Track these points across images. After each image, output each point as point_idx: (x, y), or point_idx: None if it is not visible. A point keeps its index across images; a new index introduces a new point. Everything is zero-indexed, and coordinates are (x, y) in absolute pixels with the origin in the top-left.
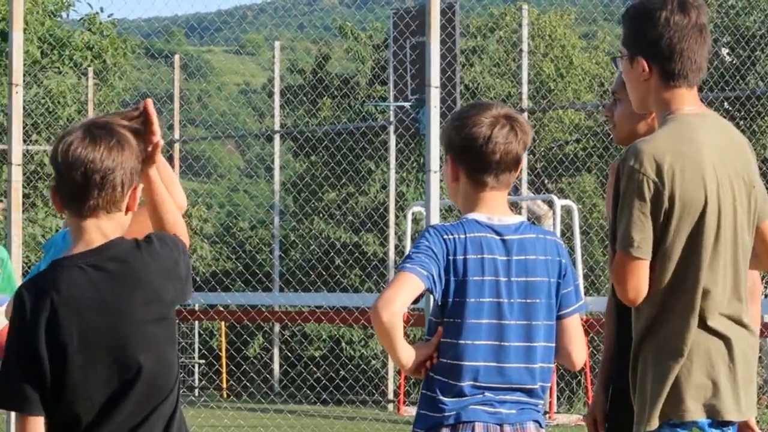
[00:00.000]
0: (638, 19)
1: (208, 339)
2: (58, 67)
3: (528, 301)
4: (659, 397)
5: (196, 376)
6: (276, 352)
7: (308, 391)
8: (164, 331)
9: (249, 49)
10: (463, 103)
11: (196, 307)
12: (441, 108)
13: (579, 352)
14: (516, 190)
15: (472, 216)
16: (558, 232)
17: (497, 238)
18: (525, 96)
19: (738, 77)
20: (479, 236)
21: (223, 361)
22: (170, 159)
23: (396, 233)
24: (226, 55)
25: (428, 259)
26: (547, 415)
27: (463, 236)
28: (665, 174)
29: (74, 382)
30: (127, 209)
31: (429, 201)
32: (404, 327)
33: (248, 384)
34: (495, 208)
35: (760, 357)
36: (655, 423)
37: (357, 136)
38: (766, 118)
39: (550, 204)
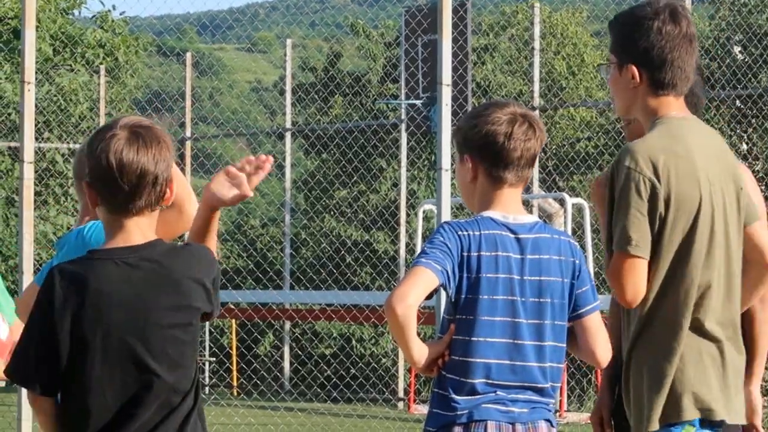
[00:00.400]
0: (629, 27)
1: (218, 337)
2: (71, 65)
3: (540, 300)
4: (658, 399)
5: (207, 373)
6: (286, 349)
7: (318, 389)
8: (188, 336)
9: (261, 47)
10: (474, 102)
11: None
12: (452, 106)
13: (602, 350)
14: (527, 188)
15: (487, 213)
16: (569, 231)
17: (512, 236)
18: (537, 94)
19: (750, 75)
20: (494, 233)
21: (234, 358)
22: (182, 157)
23: (407, 231)
24: (238, 52)
25: (443, 255)
26: (558, 414)
27: (477, 233)
28: (661, 173)
29: (89, 375)
30: (165, 201)
31: (440, 199)
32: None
33: (258, 382)
34: (510, 207)
35: None
36: (655, 425)
37: (368, 134)
38: None
39: (562, 202)
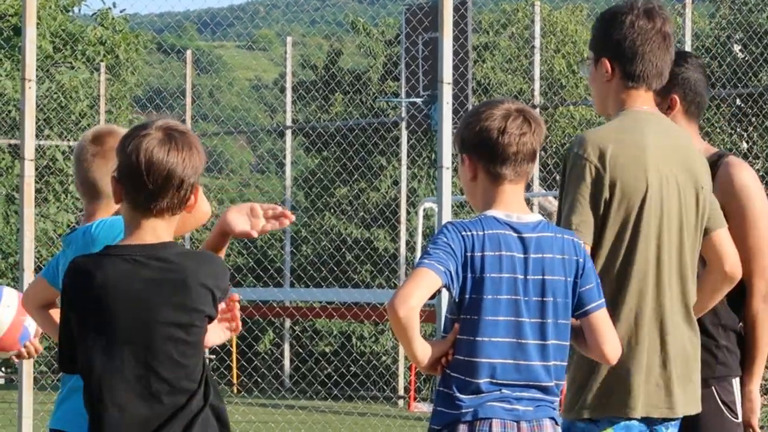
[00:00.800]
0: (605, 22)
1: None
2: (71, 62)
3: (544, 299)
4: (588, 389)
5: None
6: (287, 347)
7: (319, 387)
8: (191, 337)
9: (261, 45)
10: (475, 100)
11: None
12: (453, 104)
13: (610, 347)
14: (528, 186)
15: (490, 213)
16: None
17: (515, 235)
18: (537, 92)
19: (750, 74)
20: (497, 233)
21: (234, 356)
22: None
23: (407, 229)
24: (238, 50)
25: (446, 255)
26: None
27: (481, 233)
28: (607, 160)
29: (92, 368)
30: (188, 208)
31: (441, 197)
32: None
33: (259, 379)
34: (513, 204)
35: None
36: (583, 413)
37: (369, 132)
38: None
39: None
